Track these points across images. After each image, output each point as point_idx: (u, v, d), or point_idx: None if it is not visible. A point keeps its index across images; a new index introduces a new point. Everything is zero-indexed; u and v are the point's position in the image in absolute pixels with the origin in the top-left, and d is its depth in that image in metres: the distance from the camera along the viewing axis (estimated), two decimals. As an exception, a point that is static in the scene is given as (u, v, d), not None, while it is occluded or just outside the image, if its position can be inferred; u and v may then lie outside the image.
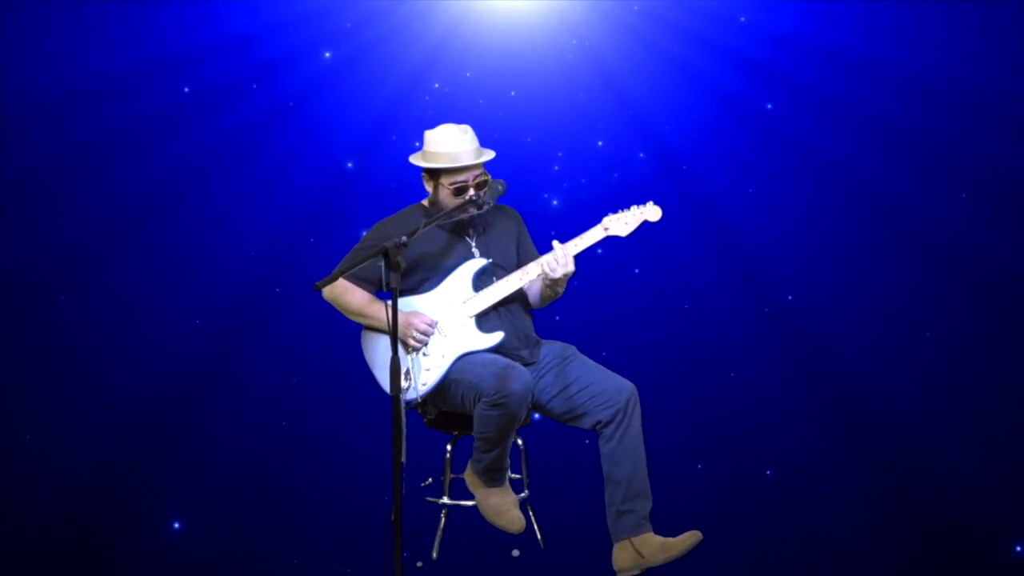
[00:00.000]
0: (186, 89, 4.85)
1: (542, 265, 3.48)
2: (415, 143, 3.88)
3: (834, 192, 4.85)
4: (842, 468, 4.42)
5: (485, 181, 3.54)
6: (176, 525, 4.25)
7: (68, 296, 4.75)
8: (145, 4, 4.79)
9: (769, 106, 4.89)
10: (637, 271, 4.90)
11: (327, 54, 4.93)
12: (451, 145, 3.50)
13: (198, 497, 4.42)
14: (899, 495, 4.19)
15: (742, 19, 4.90)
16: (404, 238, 3.04)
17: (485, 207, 3.48)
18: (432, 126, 3.56)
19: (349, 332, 3.90)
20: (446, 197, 3.53)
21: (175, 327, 4.81)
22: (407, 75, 4.95)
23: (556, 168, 5.01)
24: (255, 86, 4.92)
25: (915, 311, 4.67)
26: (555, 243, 3.47)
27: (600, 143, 5.00)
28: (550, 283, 3.52)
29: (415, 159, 3.58)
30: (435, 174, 3.55)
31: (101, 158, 4.78)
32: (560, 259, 3.45)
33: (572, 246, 3.48)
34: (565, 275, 3.48)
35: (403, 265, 3.05)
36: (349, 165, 4.96)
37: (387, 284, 3.02)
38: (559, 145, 4.99)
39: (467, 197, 3.49)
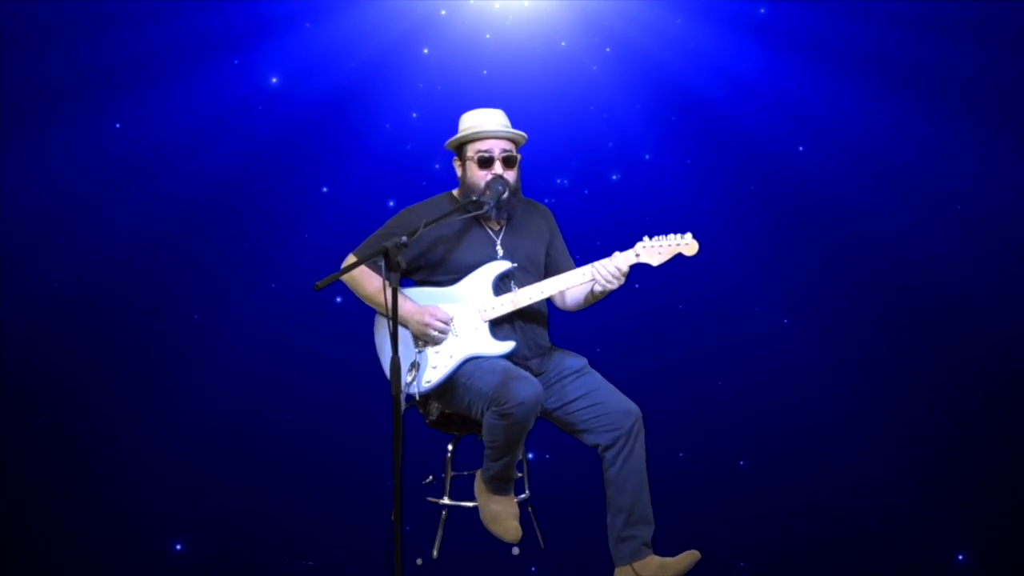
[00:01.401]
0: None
1: (594, 271, 3.38)
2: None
3: (826, 206, 4.89)
4: (792, 477, 4.49)
5: (514, 159, 3.52)
6: (177, 546, 4.23)
7: (61, 294, 4.75)
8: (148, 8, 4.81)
9: (801, 147, 4.90)
10: (637, 286, 4.91)
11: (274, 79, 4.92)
12: (476, 118, 3.53)
13: (195, 496, 4.42)
14: (849, 506, 4.27)
15: (762, 11, 4.89)
16: (404, 238, 3.00)
17: (486, 206, 3.44)
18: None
19: (347, 331, 3.92)
20: (473, 174, 3.49)
21: (172, 323, 4.82)
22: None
23: (561, 182, 5.00)
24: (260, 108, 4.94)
25: (886, 332, 4.77)
26: (608, 262, 3.39)
27: (611, 143, 5.01)
28: (601, 291, 3.44)
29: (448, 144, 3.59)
30: (462, 151, 3.53)
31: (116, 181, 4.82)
32: (617, 276, 3.37)
33: (613, 266, 3.37)
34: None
35: (403, 265, 3.04)
36: (325, 190, 4.93)
37: (388, 280, 3.00)
38: (567, 145, 4.99)
39: (494, 172, 3.47)
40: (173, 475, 4.50)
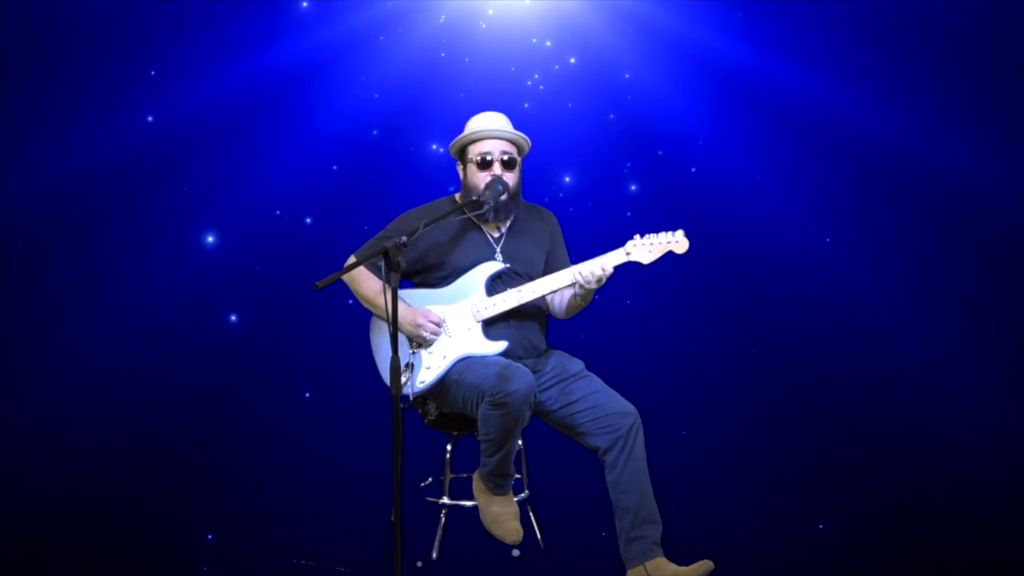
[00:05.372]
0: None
1: (576, 273, 3.42)
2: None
3: (824, 209, 4.92)
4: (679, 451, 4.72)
5: (514, 161, 3.54)
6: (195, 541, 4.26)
7: (71, 301, 4.76)
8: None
9: (811, 149, 4.91)
10: (628, 302, 4.94)
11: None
12: (479, 121, 3.58)
13: (194, 497, 4.42)
14: (734, 487, 4.57)
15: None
16: (404, 238, 3.03)
17: (485, 207, 3.46)
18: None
19: (347, 332, 3.91)
20: (473, 176, 3.52)
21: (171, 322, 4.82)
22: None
23: (565, 181, 5.01)
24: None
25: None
26: (592, 263, 3.42)
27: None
28: (582, 293, 3.45)
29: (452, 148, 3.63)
30: (464, 155, 3.57)
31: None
32: (599, 278, 3.39)
33: (597, 267, 3.40)
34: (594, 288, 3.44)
35: (403, 265, 3.04)
36: (334, 167, 4.94)
37: (387, 281, 3.00)
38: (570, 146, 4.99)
39: (493, 173, 3.49)
40: (171, 476, 4.51)
